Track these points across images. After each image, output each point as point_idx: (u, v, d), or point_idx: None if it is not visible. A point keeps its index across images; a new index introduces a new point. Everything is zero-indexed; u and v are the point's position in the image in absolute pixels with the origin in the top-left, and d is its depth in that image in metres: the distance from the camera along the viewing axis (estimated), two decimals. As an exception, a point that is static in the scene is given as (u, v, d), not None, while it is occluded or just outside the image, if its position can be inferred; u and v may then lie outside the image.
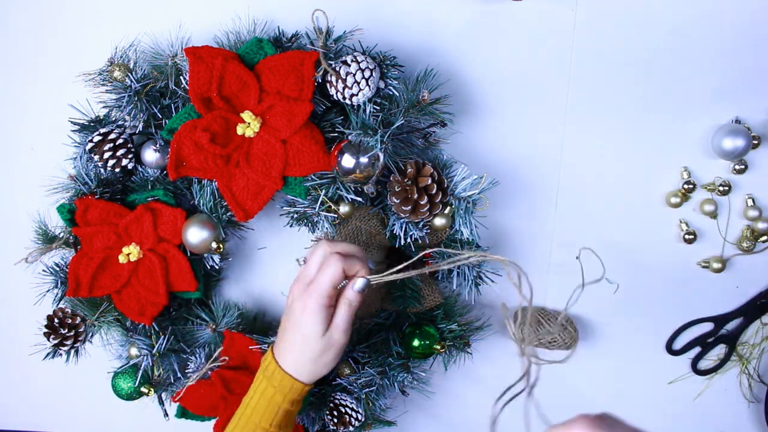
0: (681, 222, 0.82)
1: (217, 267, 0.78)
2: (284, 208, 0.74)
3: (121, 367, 0.81)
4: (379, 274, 0.62)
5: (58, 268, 0.78)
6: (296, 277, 0.64)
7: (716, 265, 0.82)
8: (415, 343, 0.77)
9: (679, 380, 0.88)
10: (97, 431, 0.95)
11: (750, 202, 0.81)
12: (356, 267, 0.62)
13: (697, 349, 0.87)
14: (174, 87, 0.72)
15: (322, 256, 0.62)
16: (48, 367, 0.81)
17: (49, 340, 0.78)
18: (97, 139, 0.73)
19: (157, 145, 0.74)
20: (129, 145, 0.74)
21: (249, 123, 0.70)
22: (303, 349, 0.62)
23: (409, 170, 0.70)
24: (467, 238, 0.74)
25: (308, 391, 0.66)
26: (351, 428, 0.78)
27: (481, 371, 0.89)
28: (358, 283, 0.62)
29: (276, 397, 0.64)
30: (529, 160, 0.82)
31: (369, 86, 0.68)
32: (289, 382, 0.63)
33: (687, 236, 0.82)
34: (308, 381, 0.64)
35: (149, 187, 0.76)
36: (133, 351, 0.79)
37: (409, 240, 0.73)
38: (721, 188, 0.80)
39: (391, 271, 0.61)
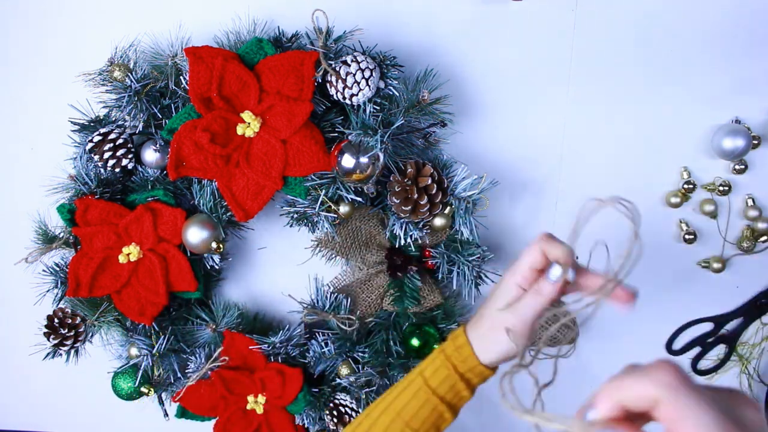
0: (681, 222, 0.82)
1: (217, 267, 0.78)
2: (284, 208, 0.74)
3: (121, 367, 0.81)
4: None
5: (58, 268, 0.78)
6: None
7: (716, 265, 0.82)
8: (415, 343, 0.77)
9: (679, 380, 0.88)
10: (97, 431, 0.95)
11: (750, 202, 0.81)
12: (556, 251, 0.56)
13: (697, 349, 0.86)
14: (174, 87, 0.72)
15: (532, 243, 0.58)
16: (48, 367, 0.81)
17: (49, 340, 0.78)
18: (97, 139, 0.73)
19: (157, 145, 0.74)
20: (129, 145, 0.74)
21: (249, 123, 0.70)
22: (482, 320, 0.58)
23: (409, 170, 0.70)
24: (467, 238, 0.74)
25: (484, 377, 0.61)
26: (351, 428, 0.78)
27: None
28: (554, 270, 0.54)
29: (454, 371, 0.59)
30: (529, 160, 0.82)
31: (369, 86, 0.68)
32: (464, 354, 0.58)
33: (687, 236, 0.82)
34: (482, 359, 0.58)
35: (149, 187, 0.76)
36: (133, 351, 0.79)
37: (409, 240, 0.73)
38: (721, 188, 0.80)
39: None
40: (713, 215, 0.82)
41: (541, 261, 0.55)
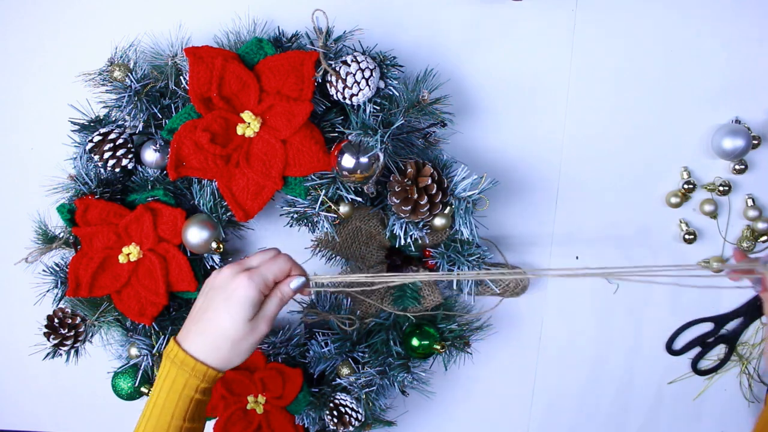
0: (681, 222, 0.83)
1: (217, 267, 0.78)
2: (284, 208, 0.74)
3: (121, 367, 0.81)
4: (322, 276, 0.66)
5: (58, 268, 0.78)
6: (228, 265, 0.63)
7: (716, 265, 0.82)
8: (415, 343, 0.77)
9: (679, 380, 0.88)
10: (97, 431, 0.95)
11: (750, 202, 0.81)
12: (298, 270, 0.64)
13: (697, 349, 0.86)
14: (174, 87, 0.72)
15: (268, 254, 0.64)
16: (48, 367, 0.81)
17: (49, 340, 0.78)
18: (97, 139, 0.73)
19: (157, 145, 0.74)
20: (129, 145, 0.74)
21: (249, 123, 0.70)
22: (225, 332, 0.59)
23: (409, 170, 0.70)
24: (467, 238, 0.74)
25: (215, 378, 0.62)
26: (351, 428, 0.78)
27: (481, 371, 0.89)
28: (296, 280, 0.63)
29: (188, 387, 0.60)
30: (529, 160, 0.82)
31: (369, 86, 0.68)
32: (202, 368, 0.59)
33: (687, 236, 0.82)
34: (222, 367, 0.60)
35: (149, 187, 0.76)
36: (133, 351, 0.79)
37: (409, 240, 0.73)
38: (721, 188, 0.80)
39: (336, 276, 0.65)
40: (713, 215, 0.82)
41: (287, 274, 0.63)
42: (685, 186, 0.80)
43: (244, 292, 0.59)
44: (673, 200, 0.81)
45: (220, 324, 0.59)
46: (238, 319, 0.59)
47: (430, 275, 0.67)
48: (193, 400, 0.60)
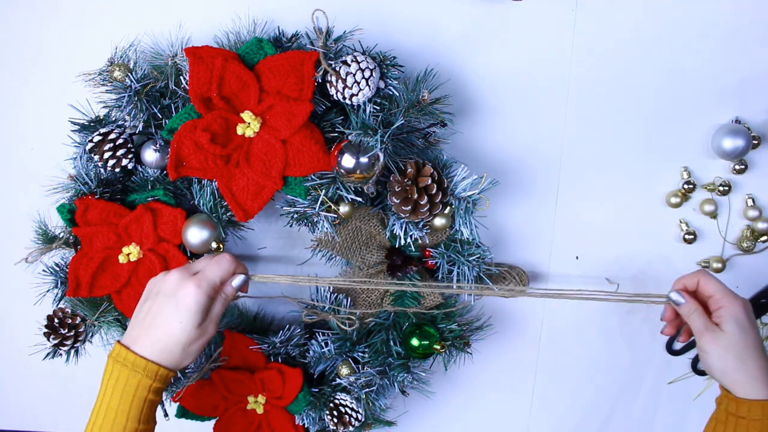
0: (681, 222, 0.83)
1: (217, 267, 0.78)
2: (284, 208, 0.74)
3: (121, 367, 0.81)
4: (262, 275, 0.70)
5: (58, 268, 0.78)
6: (175, 269, 0.65)
7: (716, 265, 0.82)
8: (415, 343, 0.77)
9: (679, 380, 0.88)
10: (97, 431, 0.95)
11: (750, 202, 0.81)
12: (241, 269, 0.67)
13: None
14: (174, 87, 0.72)
15: (211, 258, 0.67)
16: (48, 367, 0.81)
17: (49, 340, 0.78)
18: (97, 139, 0.73)
19: (157, 145, 0.74)
20: (129, 145, 0.74)
21: (249, 123, 0.70)
22: (176, 336, 0.62)
23: (409, 170, 0.70)
24: (467, 238, 0.74)
25: (170, 378, 0.64)
26: (351, 428, 0.78)
27: (481, 371, 0.89)
28: (237, 279, 0.66)
29: (141, 388, 0.61)
30: (529, 160, 0.82)
31: (369, 86, 0.68)
32: (154, 368, 0.61)
33: (687, 236, 0.82)
34: (174, 368, 0.63)
35: (149, 187, 0.76)
36: (133, 351, 0.79)
37: (409, 240, 0.73)
38: (721, 188, 0.80)
39: (275, 275, 0.70)
40: (713, 215, 0.82)
41: (231, 274, 0.66)
42: (685, 186, 0.80)
43: (193, 299, 0.62)
44: (673, 200, 0.81)
45: (172, 331, 0.62)
46: (188, 326, 0.62)
47: (427, 287, 0.67)
48: (146, 400, 0.62)
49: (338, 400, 0.79)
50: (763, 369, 0.61)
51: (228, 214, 0.75)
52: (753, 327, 0.63)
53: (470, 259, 0.74)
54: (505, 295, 0.79)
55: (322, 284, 0.73)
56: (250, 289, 0.70)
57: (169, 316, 0.62)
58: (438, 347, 0.77)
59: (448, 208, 0.73)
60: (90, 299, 0.78)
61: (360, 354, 0.79)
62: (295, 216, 0.73)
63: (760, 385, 0.61)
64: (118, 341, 0.64)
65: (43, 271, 0.78)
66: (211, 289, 0.63)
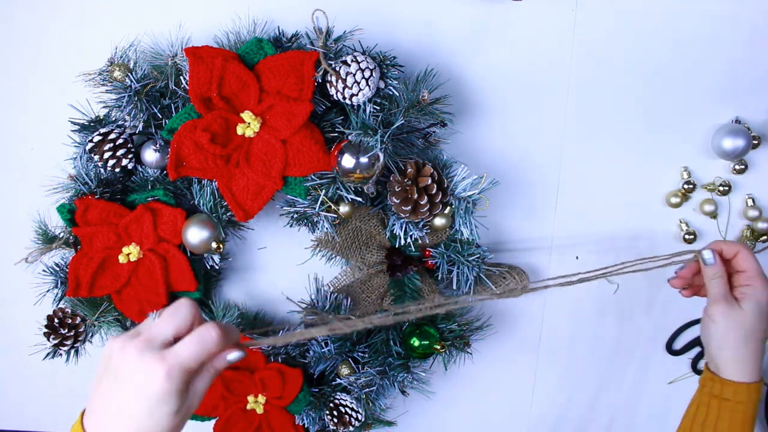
0: (681, 222, 0.83)
1: (217, 267, 0.78)
2: (284, 208, 0.74)
3: (121, 367, 0.81)
4: (265, 339, 0.55)
5: (58, 268, 0.78)
6: (135, 329, 0.50)
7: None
8: (415, 343, 0.77)
9: (679, 380, 0.88)
10: (97, 431, 0.95)
11: (750, 202, 0.81)
12: (232, 340, 0.52)
13: (697, 349, 0.87)
14: (174, 87, 0.72)
15: (186, 317, 0.50)
16: (48, 367, 0.81)
17: (49, 340, 0.78)
18: (97, 139, 0.73)
19: (157, 145, 0.74)
20: (129, 145, 0.74)
21: (249, 123, 0.70)
22: (146, 425, 0.48)
23: (409, 170, 0.70)
24: (467, 238, 0.74)
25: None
26: (351, 428, 0.78)
27: (481, 371, 0.89)
28: (234, 354, 0.52)
29: None
30: (529, 160, 0.82)
31: (369, 86, 0.68)
32: None
33: (687, 236, 0.82)
34: None
35: (149, 187, 0.76)
36: (133, 351, 0.79)
37: (409, 240, 0.73)
38: (721, 188, 0.80)
39: (281, 336, 0.56)
40: (713, 215, 0.82)
41: (216, 353, 0.51)
42: (685, 186, 0.80)
43: (161, 388, 0.47)
44: (673, 200, 0.81)
45: (142, 425, 0.48)
46: (162, 418, 0.48)
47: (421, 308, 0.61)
48: None
49: (338, 400, 0.79)
50: (759, 357, 0.61)
51: (228, 214, 0.75)
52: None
53: (470, 259, 0.74)
54: (508, 296, 0.78)
55: (321, 334, 0.56)
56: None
57: (136, 407, 0.47)
58: (438, 347, 0.77)
59: (448, 208, 0.73)
60: (90, 299, 0.78)
61: (360, 354, 0.79)
62: (295, 216, 0.73)
63: (750, 369, 0.61)
64: (82, 412, 0.52)
65: (43, 271, 0.78)
66: (188, 375, 0.48)
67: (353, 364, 0.79)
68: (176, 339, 0.49)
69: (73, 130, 0.76)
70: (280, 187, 0.71)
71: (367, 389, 0.78)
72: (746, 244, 0.66)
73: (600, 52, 0.79)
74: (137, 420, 0.48)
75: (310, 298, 0.80)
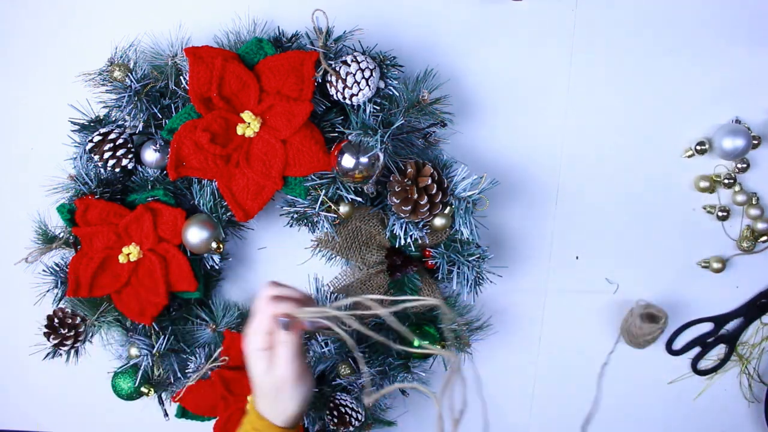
0: (707, 207, 0.81)
1: (217, 267, 0.78)
2: (284, 208, 0.74)
3: (121, 367, 0.81)
4: (307, 310, 0.61)
5: (58, 268, 0.78)
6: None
7: (716, 265, 0.82)
8: (415, 343, 0.77)
9: (679, 380, 0.88)
10: (97, 431, 0.95)
11: (754, 200, 0.81)
12: (283, 307, 0.61)
13: (697, 349, 0.87)
14: (174, 87, 0.72)
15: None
16: (48, 367, 0.81)
17: (49, 340, 0.78)
18: (97, 139, 0.73)
19: (157, 145, 0.74)
20: (129, 145, 0.74)
21: (249, 123, 0.70)
22: (259, 390, 0.62)
23: (409, 170, 0.70)
24: (467, 238, 0.74)
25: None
26: (351, 428, 0.78)
27: (481, 371, 0.89)
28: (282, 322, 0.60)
29: None
30: (529, 160, 0.82)
31: (369, 86, 0.68)
32: (264, 424, 0.61)
33: (720, 213, 0.80)
34: (281, 423, 0.61)
35: (149, 187, 0.76)
36: (133, 351, 0.79)
37: (409, 240, 0.73)
38: (726, 181, 0.80)
39: (319, 309, 0.61)
40: (723, 212, 0.81)
41: (269, 323, 0.60)
42: (698, 147, 0.79)
43: (249, 359, 0.61)
44: (702, 184, 0.80)
45: (255, 387, 0.63)
46: (257, 377, 0.61)
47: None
48: None
49: (338, 400, 0.79)
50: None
51: (228, 214, 0.75)
52: None
53: (470, 259, 0.74)
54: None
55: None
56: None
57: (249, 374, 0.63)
58: (438, 347, 0.77)
59: (448, 208, 0.73)
60: (90, 299, 0.78)
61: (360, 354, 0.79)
62: (295, 216, 0.73)
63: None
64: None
65: (43, 271, 0.78)
66: (258, 343, 0.60)
67: (353, 364, 0.79)
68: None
69: (73, 130, 0.76)
70: (280, 187, 0.71)
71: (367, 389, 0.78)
72: None
73: (600, 52, 0.79)
74: (253, 385, 0.63)
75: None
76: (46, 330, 0.78)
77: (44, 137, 0.83)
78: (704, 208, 0.82)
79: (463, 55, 0.79)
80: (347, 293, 0.80)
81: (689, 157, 0.80)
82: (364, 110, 0.69)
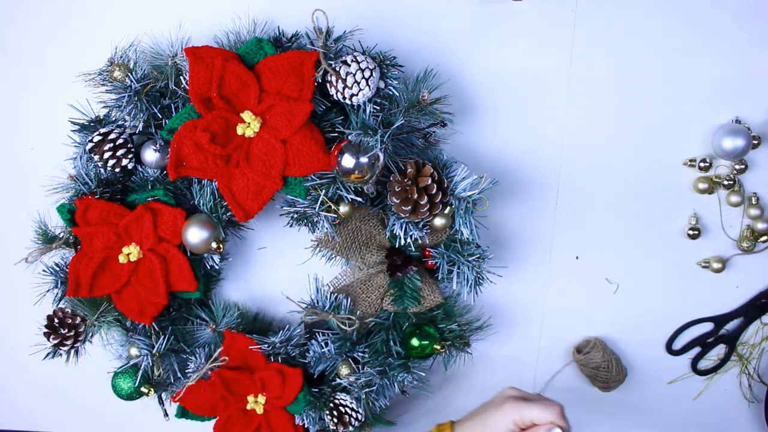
0: (692, 216, 0.82)
1: (217, 267, 0.78)
2: (284, 208, 0.74)
3: (121, 367, 0.81)
4: None
5: (58, 268, 0.78)
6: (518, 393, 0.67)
7: (716, 265, 0.82)
8: (415, 343, 0.77)
9: (679, 380, 0.88)
10: (97, 431, 0.95)
11: (754, 200, 0.81)
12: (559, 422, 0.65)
13: (697, 349, 0.87)
14: (174, 87, 0.72)
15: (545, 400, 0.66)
16: (48, 367, 0.81)
17: (49, 340, 0.78)
18: (97, 139, 0.73)
19: (157, 145, 0.74)
20: (129, 145, 0.74)
21: (249, 123, 0.70)
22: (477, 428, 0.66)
23: (409, 170, 0.70)
24: (467, 238, 0.74)
25: None
26: (351, 428, 0.78)
27: (481, 371, 0.89)
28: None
29: None
30: (529, 160, 0.82)
31: (369, 86, 0.68)
32: None
33: (691, 232, 0.81)
34: None
35: (149, 187, 0.76)
36: (133, 351, 0.79)
37: (409, 240, 0.73)
38: (725, 182, 0.80)
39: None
40: (736, 204, 0.81)
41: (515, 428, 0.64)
42: (701, 164, 0.79)
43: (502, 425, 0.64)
44: (701, 186, 0.80)
45: None
46: None
47: None
48: None
49: (338, 400, 0.79)
50: None
51: (228, 214, 0.75)
52: None
53: (470, 259, 0.74)
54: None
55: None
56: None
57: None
58: (438, 347, 0.77)
59: (448, 208, 0.73)
60: (90, 299, 0.78)
61: (360, 354, 0.79)
62: (295, 216, 0.73)
63: None
64: (453, 422, 0.70)
65: (43, 271, 0.78)
66: (519, 422, 0.64)
67: (353, 364, 0.79)
68: None
69: (73, 130, 0.76)
70: (280, 187, 0.71)
71: (367, 389, 0.78)
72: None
73: (600, 52, 0.79)
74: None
75: (310, 298, 0.80)
76: (46, 330, 0.78)
77: (44, 137, 0.83)
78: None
79: (463, 55, 0.79)
80: (347, 293, 0.80)
81: (690, 166, 0.80)
82: (364, 110, 0.69)
